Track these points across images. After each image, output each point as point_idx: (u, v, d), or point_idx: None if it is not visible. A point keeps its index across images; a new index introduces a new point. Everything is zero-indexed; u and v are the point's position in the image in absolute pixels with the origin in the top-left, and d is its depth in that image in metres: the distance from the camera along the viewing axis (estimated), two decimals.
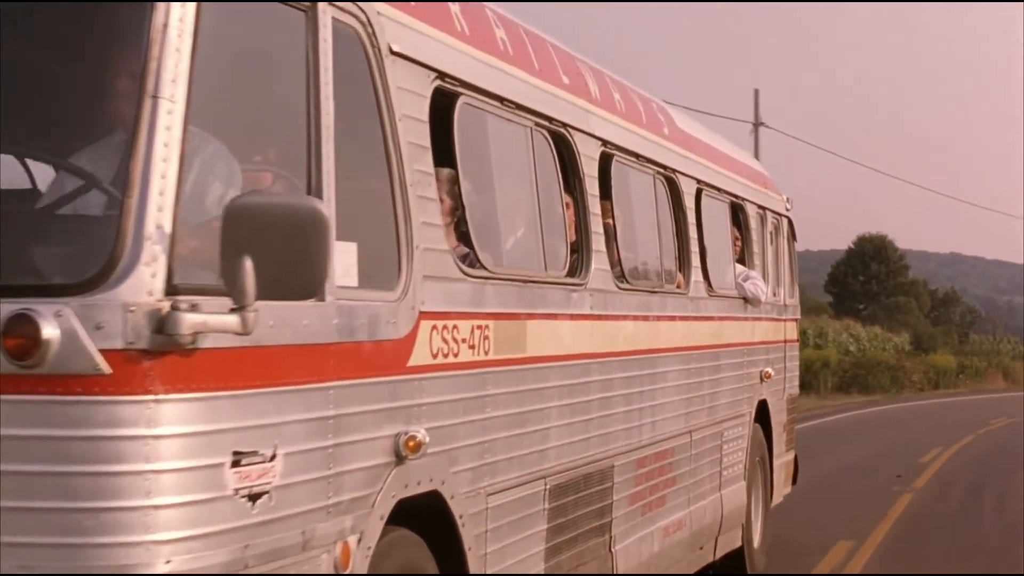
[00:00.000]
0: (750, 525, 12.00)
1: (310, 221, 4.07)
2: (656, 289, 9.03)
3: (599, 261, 7.73)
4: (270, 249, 4.00)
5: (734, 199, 11.54)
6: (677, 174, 9.60)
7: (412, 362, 5.48)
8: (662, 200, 9.32)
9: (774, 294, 13.17)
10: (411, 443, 5.35)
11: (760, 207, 12.64)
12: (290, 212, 4.06)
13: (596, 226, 7.66)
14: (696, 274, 9.98)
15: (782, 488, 13.64)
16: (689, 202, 9.89)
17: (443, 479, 5.66)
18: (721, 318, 10.86)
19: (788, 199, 14.15)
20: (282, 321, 4.49)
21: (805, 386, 48.25)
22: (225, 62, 4.40)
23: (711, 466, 10.54)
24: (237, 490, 4.23)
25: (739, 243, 11.96)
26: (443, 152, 5.97)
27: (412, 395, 5.48)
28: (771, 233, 13.08)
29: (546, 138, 7.09)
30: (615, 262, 8.19)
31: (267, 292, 4.10)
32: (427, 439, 5.42)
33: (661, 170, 9.30)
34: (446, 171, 6.01)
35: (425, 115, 5.64)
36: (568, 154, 7.42)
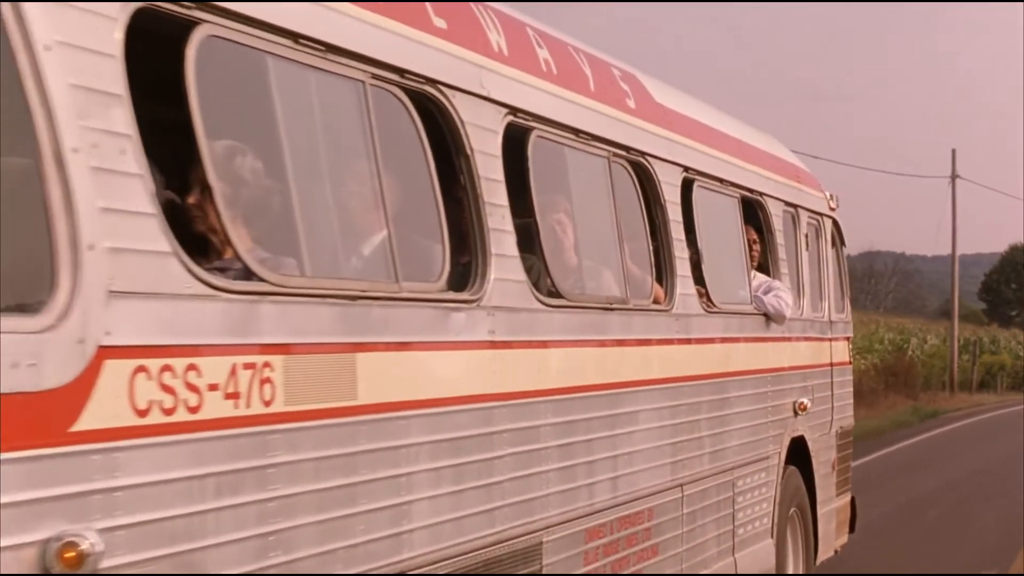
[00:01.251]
0: None
1: None
2: (615, 305, 6.97)
3: (502, 269, 5.73)
4: None
5: (748, 193, 9.43)
6: (648, 158, 7.54)
7: (83, 425, 3.51)
8: (624, 190, 7.26)
9: (813, 309, 11.03)
10: (68, 555, 3.38)
11: (790, 205, 10.52)
12: None
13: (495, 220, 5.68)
14: (684, 285, 7.91)
15: (833, 539, 11.46)
16: (670, 194, 7.83)
17: None
18: (729, 340, 8.76)
19: (833, 196, 11.98)
20: None
21: (985, 385, 57.05)
22: None
23: (718, 525, 8.45)
24: None
25: (758, 247, 9.86)
26: None
27: (83, 476, 3.51)
28: (807, 236, 10.92)
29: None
30: (536, 269, 6.18)
31: None
32: (100, 547, 3.45)
33: (622, 152, 7.25)
34: None
35: None
36: (452, 127, 5.47)
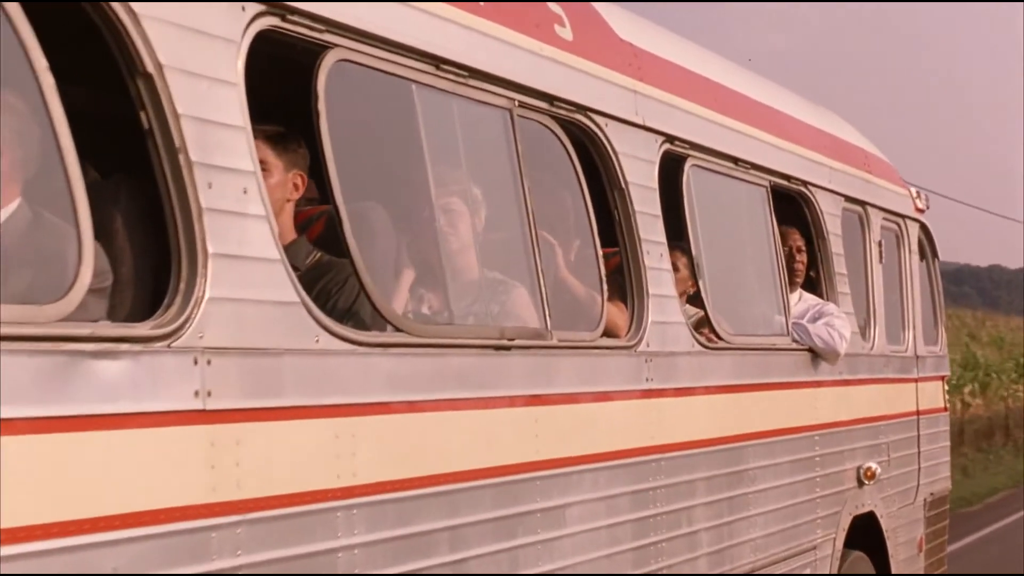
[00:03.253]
0: None
1: None
2: (509, 343, 4.47)
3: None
4: None
5: (784, 183, 6.81)
6: (590, 114, 5.02)
7: None
8: (538, 167, 4.77)
9: (891, 340, 8.33)
10: None
11: (854, 201, 7.86)
12: None
13: None
14: (664, 310, 5.37)
15: None
16: (638, 173, 5.28)
17: None
18: (745, 388, 6.15)
19: (920, 195, 9.25)
20: None
21: None
22: None
23: None
24: None
25: (803, 258, 7.23)
26: None
27: None
28: (882, 244, 8.21)
29: None
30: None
31: None
32: None
33: (544, 106, 4.76)
34: None
35: None
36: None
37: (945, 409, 9.52)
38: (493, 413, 4.26)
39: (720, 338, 5.91)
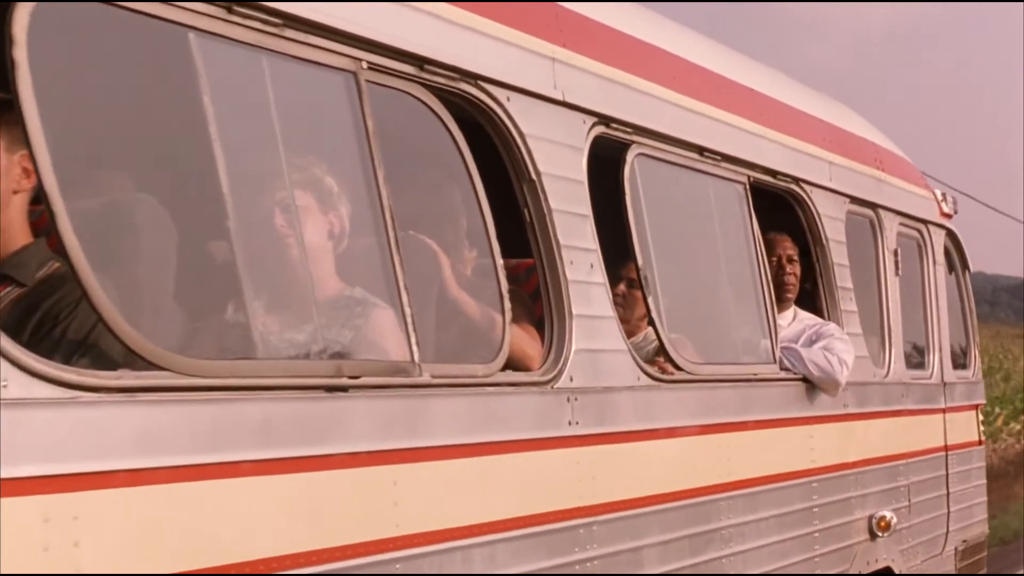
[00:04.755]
0: None
1: None
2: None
3: None
4: None
5: (765, 177, 5.68)
6: (483, 84, 3.90)
7: None
8: (401, 149, 3.69)
9: (911, 364, 7.17)
10: None
11: (863, 203, 6.71)
12: None
13: None
14: (595, 335, 4.28)
15: None
16: (558, 164, 4.18)
17: None
18: (718, 428, 5.01)
19: (946, 197, 8.07)
20: None
21: None
22: None
23: None
24: None
25: (795, 269, 6.08)
26: None
27: None
28: (897, 253, 7.05)
29: None
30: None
31: None
32: None
33: (409, 71, 3.64)
34: None
35: None
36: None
37: (980, 442, 8.31)
38: (321, 477, 3.15)
39: (679, 368, 4.79)
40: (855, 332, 6.32)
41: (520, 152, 4.01)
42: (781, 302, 6.02)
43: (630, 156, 4.63)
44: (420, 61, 3.63)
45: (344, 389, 3.24)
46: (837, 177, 6.39)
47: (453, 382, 3.64)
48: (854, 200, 6.57)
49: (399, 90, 3.60)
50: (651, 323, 4.71)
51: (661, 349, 4.76)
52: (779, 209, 6.00)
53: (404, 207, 3.64)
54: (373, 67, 3.48)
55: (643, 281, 4.61)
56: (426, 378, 3.51)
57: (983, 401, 8.50)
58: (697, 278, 5.30)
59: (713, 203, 5.26)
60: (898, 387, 6.89)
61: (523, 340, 4.03)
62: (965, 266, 8.29)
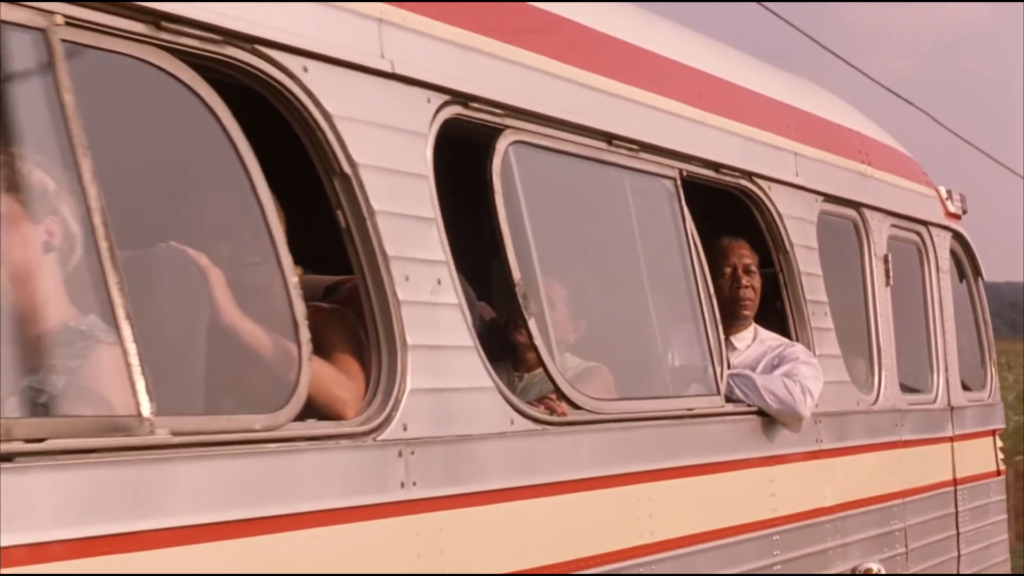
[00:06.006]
0: None
1: None
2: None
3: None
4: None
5: (703, 171, 4.74)
6: (271, 51, 3.00)
7: None
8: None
9: (909, 388, 6.20)
10: None
11: (846, 203, 5.77)
12: None
13: None
14: (441, 369, 3.37)
15: None
16: (379, 153, 3.28)
17: None
18: (630, 479, 4.07)
19: (952, 195, 7.09)
20: None
21: None
22: None
23: None
24: None
25: (751, 280, 5.15)
26: None
27: None
28: (887, 259, 6.08)
29: None
30: None
31: None
32: None
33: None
34: None
35: None
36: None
37: (999, 473, 7.30)
38: None
39: (577, 407, 3.86)
40: (830, 353, 5.37)
41: (325, 139, 3.12)
42: (736, 320, 5.10)
43: (501, 145, 3.72)
44: (156, 17, 2.74)
45: (8, 458, 2.35)
46: (806, 171, 5.44)
47: (208, 439, 2.74)
48: (830, 198, 5.62)
49: (126, 55, 2.71)
50: (536, 353, 3.79)
51: (554, 387, 3.84)
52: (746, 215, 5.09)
53: (148, 211, 2.77)
54: (74, 22, 2.59)
55: (520, 301, 3.70)
56: (161, 436, 2.62)
57: (1002, 425, 7.49)
58: (607, 295, 4.38)
59: (630, 203, 4.33)
60: (890, 415, 5.93)
61: (330, 379, 3.12)
62: (977, 272, 7.29)
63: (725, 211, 5.19)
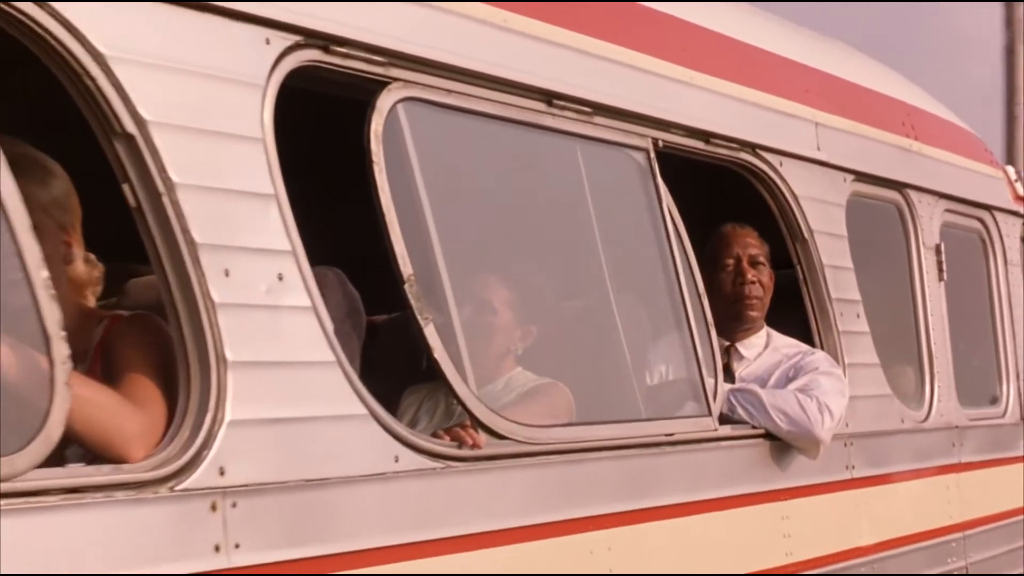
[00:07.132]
0: None
1: None
2: None
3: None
4: None
5: (687, 141, 3.88)
6: None
7: None
8: None
9: (970, 401, 5.29)
10: None
11: (886, 184, 4.88)
12: None
13: None
14: (314, 390, 2.58)
15: None
16: (220, 116, 2.49)
17: None
18: (574, 526, 3.22)
19: (1022, 176, 6.15)
20: None
21: None
22: None
23: None
24: None
25: (758, 274, 4.27)
26: None
27: None
28: (940, 251, 5.17)
29: None
30: None
31: None
32: None
33: None
34: None
35: None
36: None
37: None
38: None
39: (501, 436, 3.02)
40: (865, 362, 4.48)
41: (97, 88, 2.33)
42: (742, 323, 4.25)
43: (385, 102, 2.89)
44: None
45: None
46: (830, 144, 4.55)
47: None
48: (863, 177, 4.72)
49: None
50: (436, 364, 2.96)
51: (470, 416, 3.01)
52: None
53: None
54: None
55: (413, 302, 2.86)
56: None
57: None
58: (565, 295, 3.54)
59: (584, 180, 3.48)
60: (946, 433, 5.02)
61: (106, 409, 2.32)
62: None
63: (740, 195, 4.36)
